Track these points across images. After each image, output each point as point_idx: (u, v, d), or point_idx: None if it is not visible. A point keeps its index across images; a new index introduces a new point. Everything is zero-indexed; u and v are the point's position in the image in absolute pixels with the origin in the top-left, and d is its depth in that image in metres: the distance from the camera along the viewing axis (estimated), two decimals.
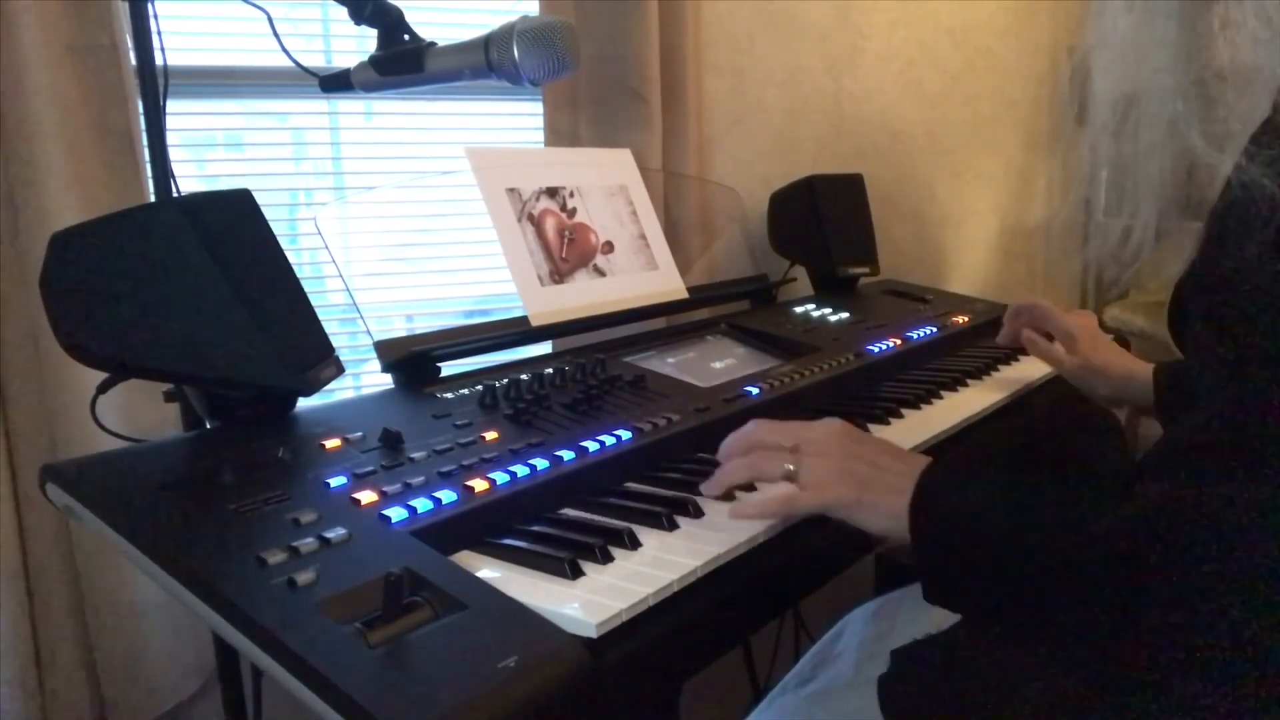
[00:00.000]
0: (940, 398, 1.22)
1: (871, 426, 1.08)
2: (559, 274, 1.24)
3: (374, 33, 1.05)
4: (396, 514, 0.74)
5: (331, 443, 0.86)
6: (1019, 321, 1.27)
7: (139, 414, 1.28)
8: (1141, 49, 0.63)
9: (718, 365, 1.28)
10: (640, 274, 1.35)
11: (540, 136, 1.65)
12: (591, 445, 0.92)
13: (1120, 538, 0.60)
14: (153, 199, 1.17)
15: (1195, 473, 0.63)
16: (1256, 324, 0.58)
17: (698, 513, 0.82)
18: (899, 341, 1.42)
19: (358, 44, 1.53)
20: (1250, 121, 0.60)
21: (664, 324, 1.46)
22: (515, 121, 1.78)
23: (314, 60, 1.53)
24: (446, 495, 0.78)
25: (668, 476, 0.93)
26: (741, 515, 0.78)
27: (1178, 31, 0.62)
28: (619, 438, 0.95)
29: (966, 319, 1.63)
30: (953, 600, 0.71)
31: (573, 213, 1.30)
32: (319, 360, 0.93)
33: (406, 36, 1.04)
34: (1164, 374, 1.10)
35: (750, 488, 0.85)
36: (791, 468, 0.77)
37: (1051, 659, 0.68)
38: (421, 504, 0.76)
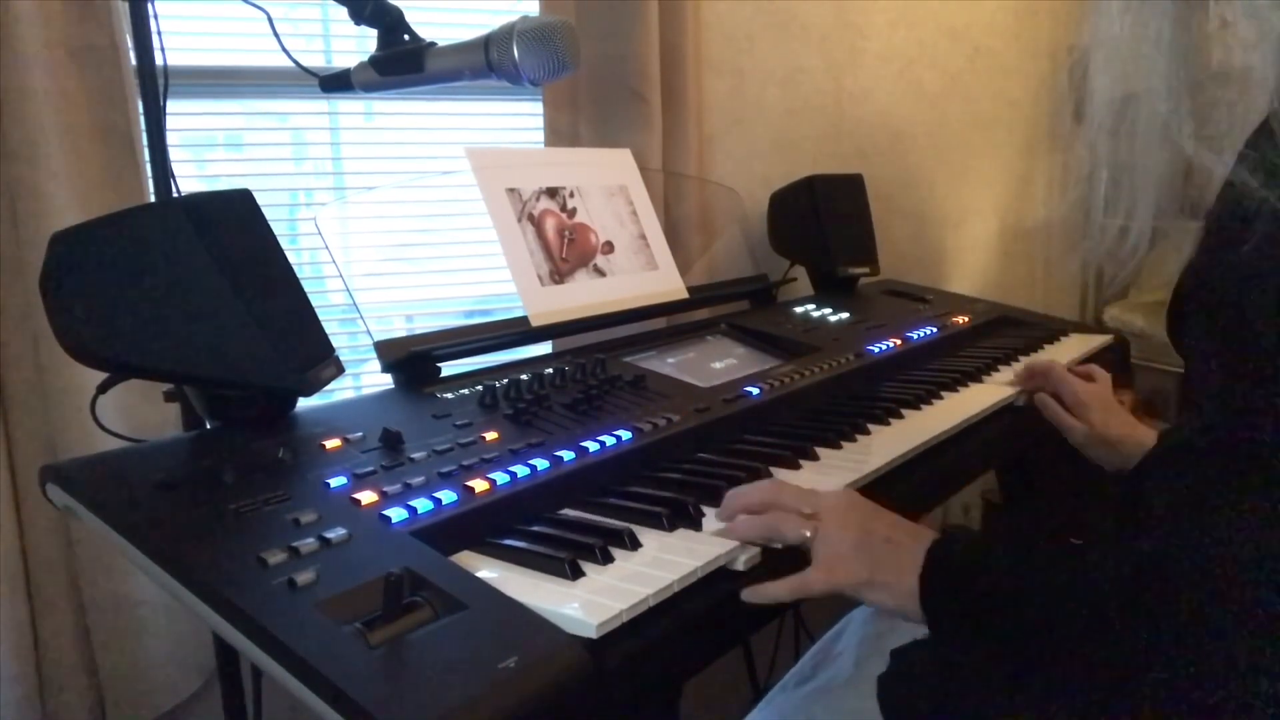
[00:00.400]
0: (940, 398, 1.22)
1: (871, 426, 1.08)
2: (559, 274, 1.24)
3: (374, 33, 1.05)
4: (396, 514, 0.74)
5: (331, 443, 0.86)
6: (1033, 384, 1.27)
7: (139, 414, 1.28)
8: (1137, 50, 0.63)
9: (718, 365, 1.28)
10: (640, 274, 1.35)
11: (540, 136, 1.65)
12: (591, 445, 0.92)
13: (1131, 588, 0.61)
14: (153, 199, 1.17)
15: (1197, 492, 0.63)
16: (1253, 326, 0.58)
17: (698, 513, 0.82)
18: (899, 341, 1.42)
19: (358, 44, 1.53)
20: (1244, 123, 0.60)
21: (664, 324, 1.46)
22: (515, 121, 1.78)
23: (314, 60, 1.53)
24: (446, 495, 0.78)
25: (668, 477, 0.93)
26: (758, 596, 0.76)
27: (1172, 33, 0.62)
28: (619, 438, 0.95)
29: (966, 319, 1.63)
30: (975, 665, 0.73)
31: (573, 213, 1.30)
32: (319, 360, 0.93)
33: (406, 36, 1.04)
34: None
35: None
36: (809, 534, 0.77)
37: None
38: (421, 504, 0.76)
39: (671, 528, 0.80)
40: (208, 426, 0.93)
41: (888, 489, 0.95)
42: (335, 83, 1.10)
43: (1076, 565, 0.66)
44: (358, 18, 1.03)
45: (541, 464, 0.87)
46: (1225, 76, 0.60)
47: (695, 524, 0.81)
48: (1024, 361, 1.35)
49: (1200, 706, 0.57)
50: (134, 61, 1.14)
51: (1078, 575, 0.65)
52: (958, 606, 0.72)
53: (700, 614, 0.72)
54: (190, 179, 1.48)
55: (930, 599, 0.72)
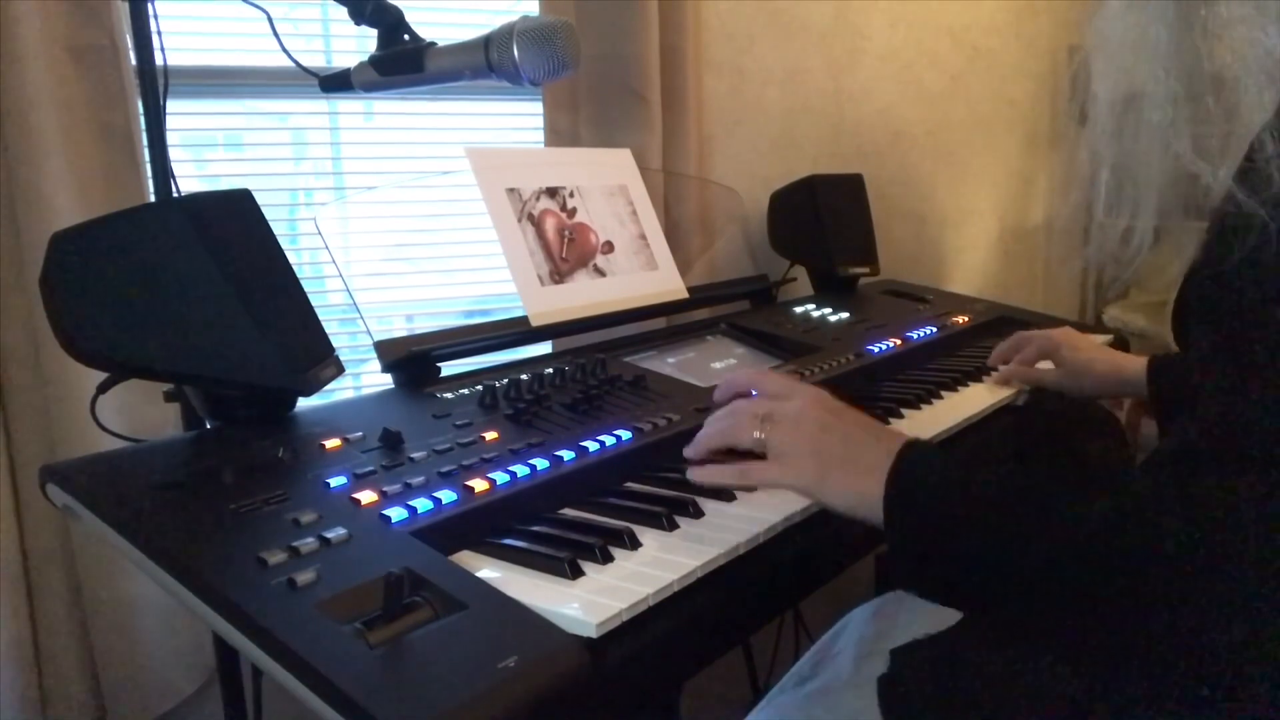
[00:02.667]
0: (940, 398, 1.22)
1: None
2: (559, 274, 1.24)
3: (374, 33, 1.05)
4: (396, 514, 0.74)
5: (331, 443, 0.86)
6: (1007, 359, 1.29)
7: (139, 414, 1.28)
8: (1137, 53, 0.63)
9: (718, 365, 1.28)
10: (640, 274, 1.35)
11: (540, 136, 1.65)
12: (591, 445, 0.92)
13: (1109, 525, 0.59)
14: (153, 199, 1.17)
15: (1186, 467, 0.63)
16: (1254, 328, 0.58)
17: (698, 513, 0.82)
18: (899, 341, 1.42)
19: (358, 44, 1.53)
20: (1240, 136, 0.60)
21: (664, 324, 1.46)
22: (515, 121, 1.78)
23: (314, 60, 1.53)
24: (446, 495, 0.78)
25: (668, 476, 0.93)
26: (703, 478, 0.78)
27: (1169, 38, 0.62)
28: (619, 438, 0.95)
29: (966, 319, 1.63)
30: (928, 587, 0.69)
31: (573, 213, 1.30)
32: (319, 360, 0.93)
33: (406, 36, 1.04)
34: (1158, 367, 1.11)
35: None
36: (760, 436, 0.75)
37: (1053, 661, 0.68)
38: (421, 504, 0.76)
39: (671, 527, 0.80)
40: (208, 426, 0.93)
41: None
42: (335, 83, 1.10)
43: (1056, 499, 0.63)
44: (358, 18, 1.03)
45: (541, 464, 0.87)
46: (1220, 84, 0.60)
47: (695, 516, 0.82)
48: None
49: (1187, 673, 0.56)
50: (134, 61, 1.14)
51: (1055, 509, 0.62)
52: (923, 519, 0.67)
53: (700, 614, 0.72)
54: (190, 179, 1.48)
55: (894, 507, 0.67)
